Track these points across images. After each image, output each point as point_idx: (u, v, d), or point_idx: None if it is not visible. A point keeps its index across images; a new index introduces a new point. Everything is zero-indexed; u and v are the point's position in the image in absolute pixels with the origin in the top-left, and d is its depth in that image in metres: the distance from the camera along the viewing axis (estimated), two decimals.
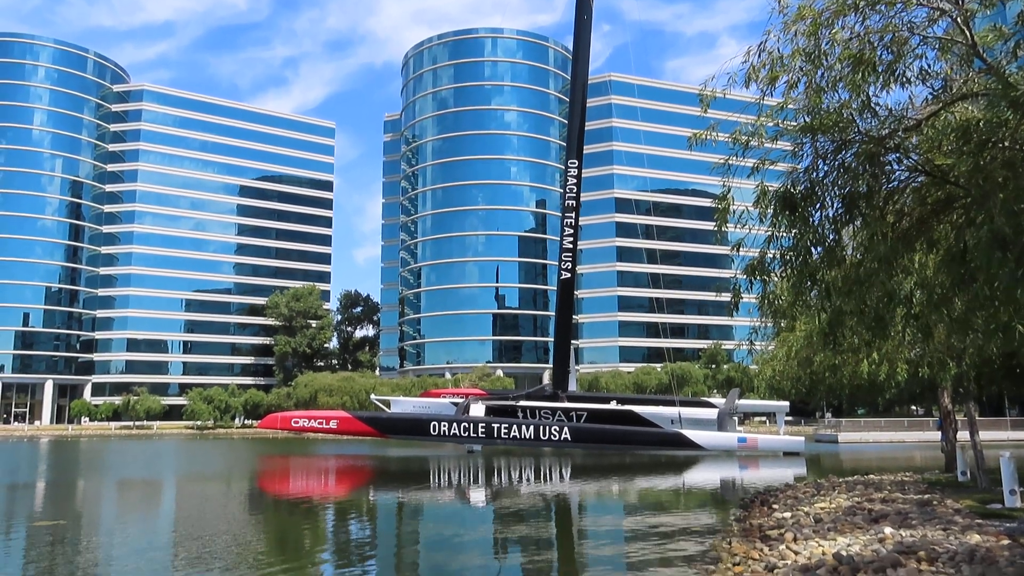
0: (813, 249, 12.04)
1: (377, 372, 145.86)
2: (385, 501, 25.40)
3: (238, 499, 25.34)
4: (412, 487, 28.93)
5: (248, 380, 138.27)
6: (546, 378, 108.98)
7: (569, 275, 53.13)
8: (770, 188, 12.64)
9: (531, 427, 46.78)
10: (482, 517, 21.65)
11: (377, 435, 49.27)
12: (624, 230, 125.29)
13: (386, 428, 48.57)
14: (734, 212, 13.10)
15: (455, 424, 46.92)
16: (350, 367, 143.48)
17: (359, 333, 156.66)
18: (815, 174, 12.02)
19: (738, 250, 13.50)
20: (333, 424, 48.72)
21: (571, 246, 53.33)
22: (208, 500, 24.46)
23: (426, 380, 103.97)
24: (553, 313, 62.01)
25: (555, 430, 46.68)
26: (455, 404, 52.38)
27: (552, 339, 60.33)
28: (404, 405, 55.49)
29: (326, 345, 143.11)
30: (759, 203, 12.76)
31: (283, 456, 52.16)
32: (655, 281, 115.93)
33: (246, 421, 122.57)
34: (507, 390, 79.17)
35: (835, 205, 12.04)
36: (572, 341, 61.93)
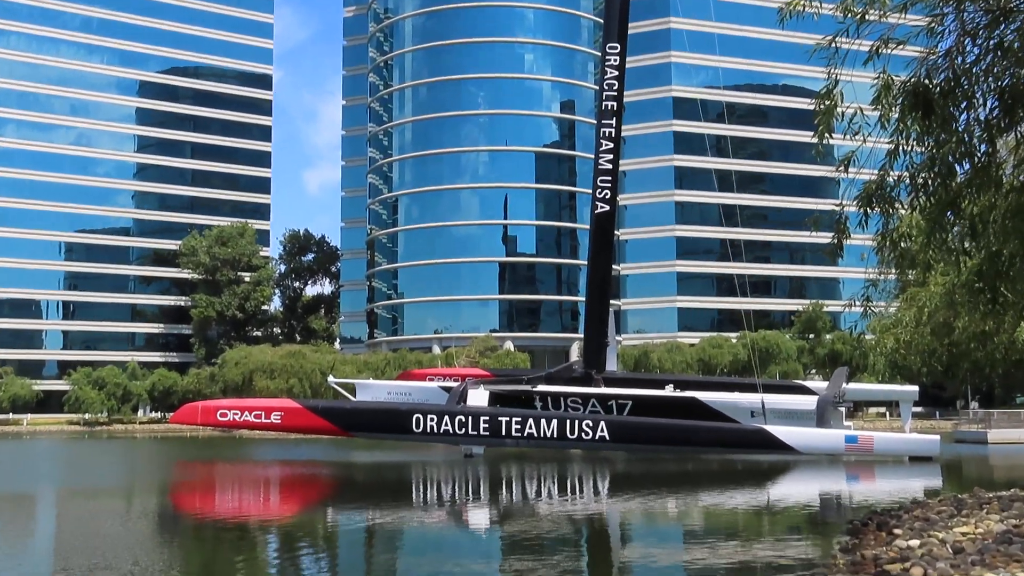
0: (957, 166, 11.88)
1: (337, 345, 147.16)
2: (349, 525, 25.72)
3: (142, 522, 25.70)
4: (387, 505, 29.28)
5: (156, 356, 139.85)
6: (575, 353, 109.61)
7: (608, 208, 52.93)
8: (895, 80, 12.45)
9: (554, 421, 47.17)
10: (484, 548, 21.89)
11: (338, 432, 49.76)
12: (686, 144, 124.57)
13: (350, 423, 49.03)
14: (843, 116, 12.94)
15: (447, 417, 47.33)
16: (299, 338, 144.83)
17: (311, 290, 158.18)
18: (960, 59, 11.79)
19: (847, 170, 13.34)
20: (276, 418, 49.22)
21: (610, 167, 53.02)
22: (100, 523, 24.81)
23: (406, 356, 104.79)
24: (585, 262, 61.97)
25: (588, 425, 47.07)
26: (447, 390, 52.76)
27: (583, 299, 60.44)
28: (375, 391, 55.95)
29: (264, 307, 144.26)
30: (879, 102, 12.57)
31: (206, 462, 52.82)
32: (729, 217, 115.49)
33: (153, 413, 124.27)
34: (520, 370, 79.45)
35: (989, 103, 11.84)
36: (612, 301, 62.01)
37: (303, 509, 29.79)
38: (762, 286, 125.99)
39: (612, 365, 56.80)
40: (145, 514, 27.41)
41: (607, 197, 52.89)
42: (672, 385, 53.09)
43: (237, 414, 49.88)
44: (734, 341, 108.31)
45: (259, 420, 49.51)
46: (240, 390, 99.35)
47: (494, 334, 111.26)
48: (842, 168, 13.38)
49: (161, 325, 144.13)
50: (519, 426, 47.06)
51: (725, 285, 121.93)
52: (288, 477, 41.55)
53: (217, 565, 19.44)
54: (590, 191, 56.92)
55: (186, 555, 20.42)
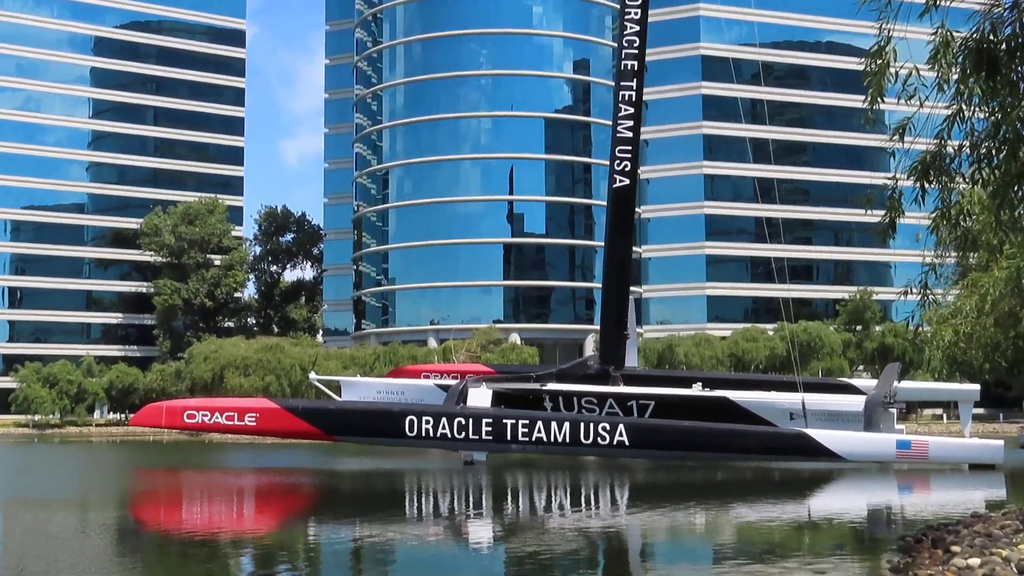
0: None
1: (319, 338, 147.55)
2: (333, 541, 25.77)
3: (99, 537, 25.79)
4: (376, 519, 29.36)
5: (114, 350, 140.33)
6: (590, 347, 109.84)
7: (627, 182, 52.90)
8: (955, 36, 12.40)
9: (566, 424, 47.25)
10: (486, 569, 21.94)
11: (320, 437, 49.85)
12: (716, 109, 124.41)
13: (335, 426, 49.10)
14: (895, 77, 12.89)
15: (445, 419, 47.41)
16: (276, 329, 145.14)
17: (290, 275, 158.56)
18: None
19: (901, 139, 13.29)
20: (250, 420, 49.27)
21: (630, 135, 52.96)
22: (50, 539, 24.89)
23: (398, 350, 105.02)
24: (601, 244, 62.01)
25: (605, 429, 47.13)
26: (444, 388, 52.91)
27: (600, 285, 60.46)
28: (363, 389, 56.06)
29: (237, 295, 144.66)
30: (937, 62, 12.53)
31: (171, 470, 52.96)
32: (765, 192, 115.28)
33: (112, 414, 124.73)
34: (527, 366, 79.50)
35: None
36: (632, 288, 61.95)
37: (281, 523, 29.84)
38: (803, 271, 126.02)
39: (632, 361, 56.75)
40: (102, 528, 27.48)
41: (627, 169, 52.80)
42: (700, 383, 53.05)
43: (206, 415, 49.88)
44: (771, 333, 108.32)
45: (231, 422, 49.50)
46: (210, 388, 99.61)
47: (498, 325, 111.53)
48: (895, 137, 13.35)
49: (120, 315, 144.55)
50: (526, 429, 47.11)
51: (761, 270, 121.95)
52: (264, 487, 41.65)
53: None
54: (607, 163, 56.82)
55: (145, 573, 20.50)
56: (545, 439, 47.00)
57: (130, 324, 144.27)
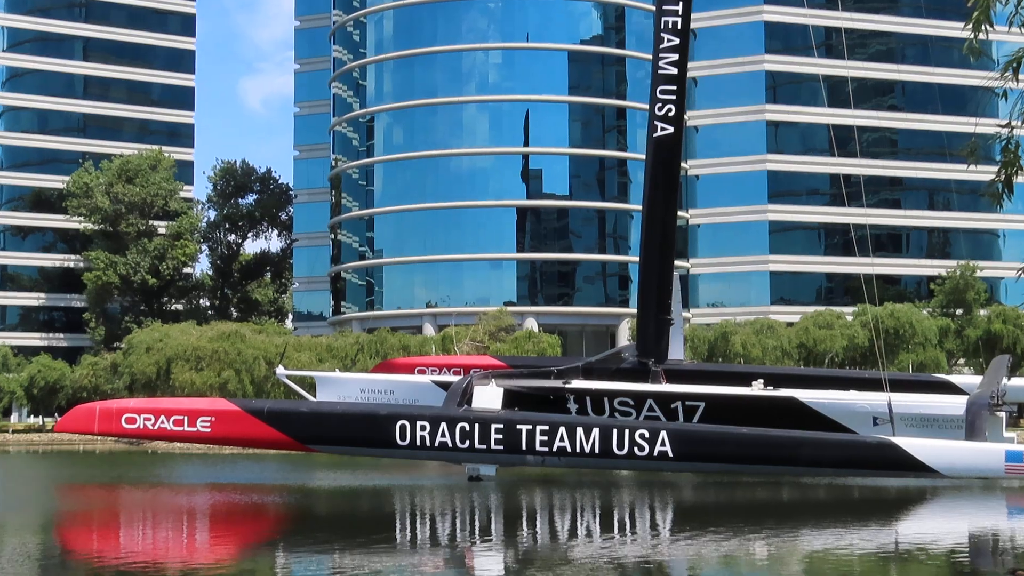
0: None
1: (289, 323, 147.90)
2: (304, 572, 25.86)
3: (15, 569, 25.92)
4: (359, 546, 29.44)
5: (35, 338, 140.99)
6: (624, 336, 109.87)
7: (671, 131, 52.74)
8: None
9: (595, 431, 47.25)
10: None
11: (291, 446, 49.99)
12: (781, 40, 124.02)
13: (309, 433, 49.17)
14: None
15: (445, 425, 47.46)
16: (235, 313, 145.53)
17: (252, 247, 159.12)
18: None
19: (1015, 75, 13.17)
20: (204, 425, 49.37)
21: (675, 72, 52.77)
22: None
23: (386, 339, 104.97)
24: (639, 208, 61.79)
25: (643, 437, 47.11)
26: (444, 386, 52.95)
27: (637, 259, 60.46)
28: (344, 387, 56.13)
29: (187, 270, 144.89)
30: None
31: (106, 487, 53.13)
32: (843, 143, 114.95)
33: (32, 418, 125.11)
34: (547, 359, 79.24)
35: None
36: (677, 263, 61.73)
37: (241, 552, 29.94)
38: (889, 241, 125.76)
39: (678, 353, 56.77)
40: (20, 559, 27.60)
41: (671, 115, 52.60)
42: (762, 380, 52.95)
43: (150, 420, 50.02)
44: (849, 319, 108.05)
45: (181, 429, 49.61)
46: (154, 386, 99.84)
47: (510, 308, 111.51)
48: (1006, 73, 13.26)
49: (42, 295, 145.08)
50: (546, 437, 47.11)
51: (837, 240, 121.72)
52: (221, 508, 41.81)
53: None
54: (646, 106, 56.63)
55: None
56: (569, 449, 47.00)
57: (54, 307, 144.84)
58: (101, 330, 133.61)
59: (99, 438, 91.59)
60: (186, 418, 49.77)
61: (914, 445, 47.06)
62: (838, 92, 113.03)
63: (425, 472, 56.39)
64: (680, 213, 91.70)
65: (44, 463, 75.87)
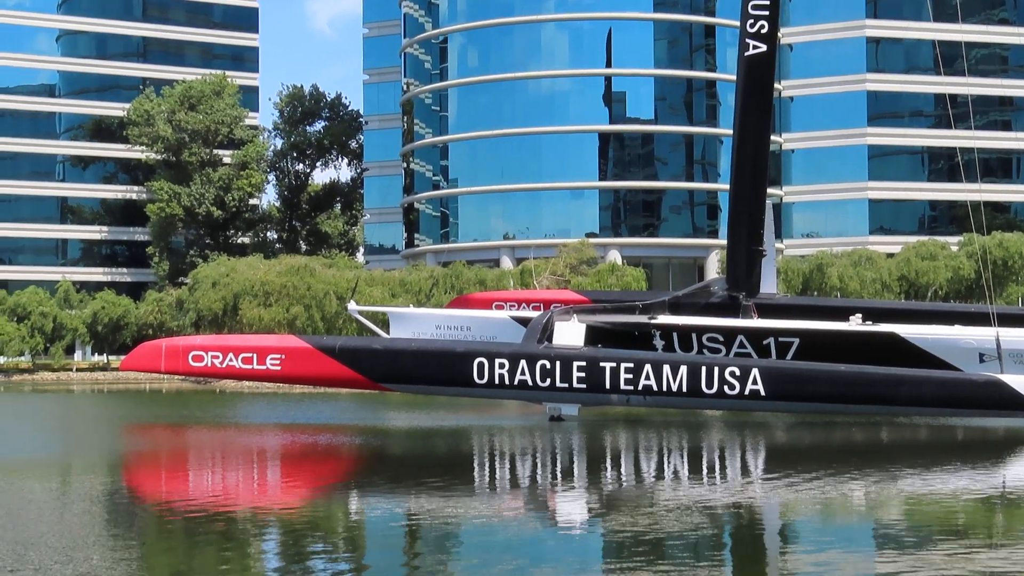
0: None
1: (360, 257, 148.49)
2: (380, 518, 26.02)
3: (85, 510, 26.32)
4: (436, 490, 29.59)
5: (98, 274, 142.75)
6: (713, 268, 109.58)
7: (764, 49, 52.15)
8: None
9: (683, 369, 47.22)
10: (578, 555, 22.02)
11: (364, 384, 50.40)
12: None
13: (382, 371, 49.61)
14: None
15: (524, 362, 47.64)
16: (304, 247, 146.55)
17: (321, 177, 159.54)
18: None
19: None
20: (273, 363, 49.95)
21: None
22: (18, 515, 25.44)
23: (462, 273, 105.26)
24: (729, 132, 61.40)
25: (733, 374, 47.03)
26: (523, 322, 53.06)
27: (727, 186, 60.17)
28: (418, 324, 56.40)
29: (254, 201, 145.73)
30: None
31: (173, 427, 53.92)
32: (950, 60, 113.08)
33: (97, 356, 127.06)
34: (631, 293, 79.13)
35: None
36: (770, 190, 61.32)
37: (314, 495, 30.19)
38: (999, 166, 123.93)
39: (770, 286, 56.50)
40: (87, 501, 27.98)
41: (763, 32, 52.00)
42: (860, 315, 52.61)
43: (217, 357, 50.74)
44: (954, 249, 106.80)
45: (249, 367, 50.30)
46: (221, 323, 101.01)
47: (592, 240, 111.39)
48: None
49: (104, 228, 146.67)
50: (631, 375, 47.22)
51: (942, 165, 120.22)
52: (292, 449, 42.24)
53: (194, 574, 19.87)
54: (737, 23, 56.02)
55: (147, 560, 20.85)
56: (655, 387, 47.09)
57: (117, 240, 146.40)
58: (165, 265, 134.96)
59: (165, 377, 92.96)
60: (255, 355, 50.41)
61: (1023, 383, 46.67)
62: (944, 5, 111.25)
63: (503, 412, 56.70)
64: (773, 137, 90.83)
65: (109, 402, 77.04)
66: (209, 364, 50.87)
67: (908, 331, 50.46)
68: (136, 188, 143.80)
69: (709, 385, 46.94)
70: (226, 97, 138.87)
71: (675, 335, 51.57)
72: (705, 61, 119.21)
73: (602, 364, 47.35)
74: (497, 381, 47.73)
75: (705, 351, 50.76)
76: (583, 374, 47.29)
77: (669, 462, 36.76)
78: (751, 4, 52.26)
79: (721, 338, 51.14)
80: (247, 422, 57.51)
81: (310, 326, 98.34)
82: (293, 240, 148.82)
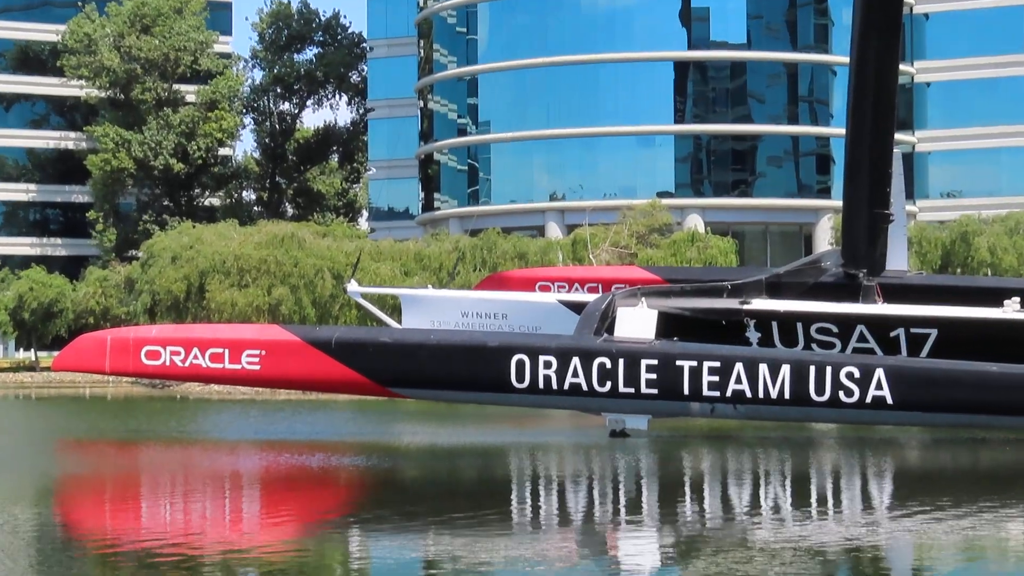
0: None
1: (363, 223, 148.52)
2: (389, 562, 26.04)
3: (5, 554, 26.40)
4: (461, 523, 29.56)
5: (24, 245, 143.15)
6: (823, 237, 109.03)
7: None
8: None
9: (785, 370, 47.02)
10: None
11: (369, 389, 50.50)
12: None
13: (392, 371, 49.56)
14: None
15: (577, 360, 47.51)
16: (291, 210, 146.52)
17: (312, 120, 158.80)
18: None
19: None
20: (250, 361, 49.94)
21: None
22: None
23: (496, 244, 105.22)
24: (844, 60, 61.04)
25: (851, 376, 46.78)
26: (575, 308, 52.96)
27: (842, 130, 59.86)
28: (439, 309, 56.46)
29: (226, 151, 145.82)
30: None
31: (120, 444, 54.04)
32: None
33: (21, 352, 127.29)
34: (716, 270, 78.79)
35: None
36: (898, 136, 60.75)
37: (304, 534, 30.20)
38: None
39: (900, 261, 56.13)
40: (10, 536, 28.09)
41: None
42: (1018, 299, 52.42)
43: (178, 354, 50.73)
44: None
45: (219, 366, 50.30)
46: (182, 309, 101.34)
47: (666, 201, 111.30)
48: None
49: (32, 187, 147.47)
50: (717, 378, 47.02)
51: None
52: (274, 473, 42.34)
53: None
54: None
55: None
56: (749, 394, 46.89)
57: (49, 202, 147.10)
58: (112, 233, 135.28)
59: (111, 379, 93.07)
60: (227, 352, 50.36)
61: None
62: None
63: (550, 425, 56.67)
64: (903, 67, 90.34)
65: (37, 412, 77.32)
66: (167, 363, 50.85)
67: None
68: (73, 135, 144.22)
69: (819, 390, 46.71)
70: (189, 16, 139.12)
71: (774, 325, 51.44)
72: None
73: (679, 363, 47.19)
74: (542, 385, 47.63)
75: (814, 346, 50.61)
76: (654, 376, 47.14)
77: (766, 492, 36.61)
78: None
79: (835, 329, 50.99)
80: (216, 438, 57.58)
81: (298, 313, 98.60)
82: (277, 202, 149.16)
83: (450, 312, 55.92)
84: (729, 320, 51.46)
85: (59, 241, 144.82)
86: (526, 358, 47.63)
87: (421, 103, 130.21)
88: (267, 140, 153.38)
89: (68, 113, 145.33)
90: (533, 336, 50.31)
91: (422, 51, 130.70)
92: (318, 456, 47.08)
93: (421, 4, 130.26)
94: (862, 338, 50.53)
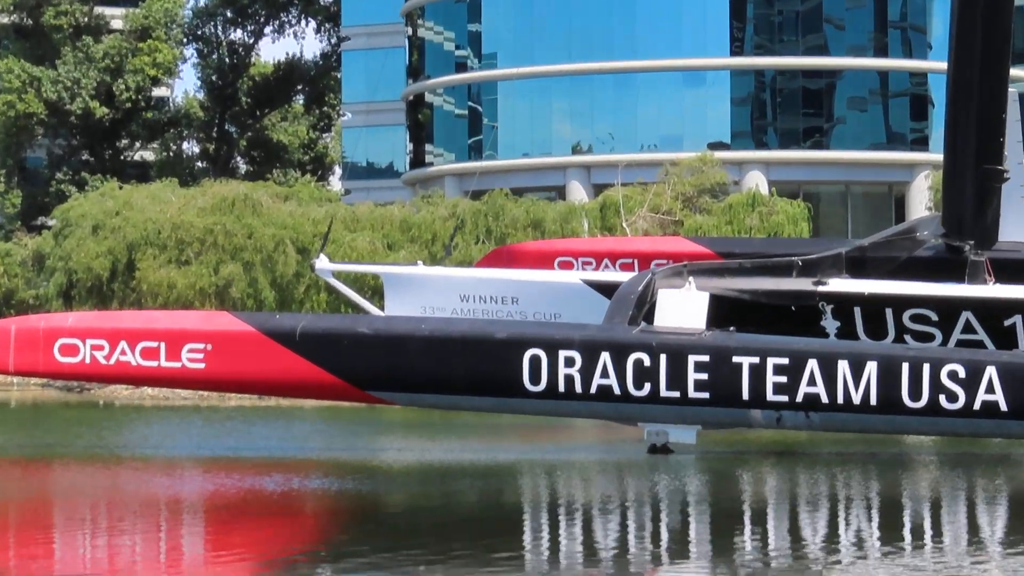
0: None
1: (335, 182, 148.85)
2: None
3: None
4: (457, 560, 29.50)
5: None
6: (919, 200, 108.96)
7: None
8: None
9: (871, 368, 46.92)
10: None
11: (343, 392, 50.58)
12: None
13: (371, 370, 49.58)
14: None
15: (608, 356, 47.47)
16: (243, 166, 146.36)
17: (271, 52, 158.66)
18: None
19: None
20: (193, 357, 50.02)
21: None
22: None
23: (503, 207, 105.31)
24: None
25: (955, 376, 46.69)
26: (604, 289, 52.94)
27: (943, 64, 59.81)
28: (430, 290, 56.67)
29: (161, 91, 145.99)
30: None
31: (25, 463, 54.06)
32: None
33: None
34: (782, 242, 78.86)
35: None
36: (1014, 73, 60.55)
37: (259, 575, 30.22)
38: None
39: (1017, 231, 56.00)
40: None
41: None
42: None
43: (101, 349, 50.82)
44: None
45: (153, 364, 50.41)
46: (106, 293, 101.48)
47: (719, 154, 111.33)
48: None
49: None
50: (785, 378, 46.98)
51: None
52: (223, 499, 42.32)
53: None
54: None
55: None
56: (826, 398, 46.85)
57: None
58: (16, 196, 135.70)
59: (16, 380, 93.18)
60: (163, 346, 50.41)
61: None
62: None
63: (573, 438, 56.72)
64: None
65: None
66: (88, 359, 50.89)
67: None
68: None
69: (915, 394, 46.62)
70: None
71: (857, 311, 51.40)
72: None
73: (737, 360, 47.15)
74: (562, 388, 47.60)
75: (907, 337, 50.57)
76: (705, 376, 47.11)
77: (847, 521, 36.48)
78: None
79: (934, 316, 51.02)
80: (149, 455, 57.54)
81: (253, 297, 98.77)
82: (226, 156, 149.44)
83: (446, 295, 55.98)
84: (800, 305, 51.45)
85: None
86: (542, 354, 47.55)
87: (409, 30, 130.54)
88: (214, 78, 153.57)
89: None
90: (551, 326, 50.31)
91: None
92: (278, 479, 47.00)
93: None
94: (968, 328, 50.52)
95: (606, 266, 58.21)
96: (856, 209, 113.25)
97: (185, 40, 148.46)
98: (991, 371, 46.25)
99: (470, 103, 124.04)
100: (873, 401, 46.28)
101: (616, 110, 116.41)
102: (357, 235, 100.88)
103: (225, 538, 35.67)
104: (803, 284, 51.73)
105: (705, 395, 46.86)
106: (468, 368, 48.32)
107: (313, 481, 46.68)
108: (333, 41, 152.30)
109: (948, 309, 50.62)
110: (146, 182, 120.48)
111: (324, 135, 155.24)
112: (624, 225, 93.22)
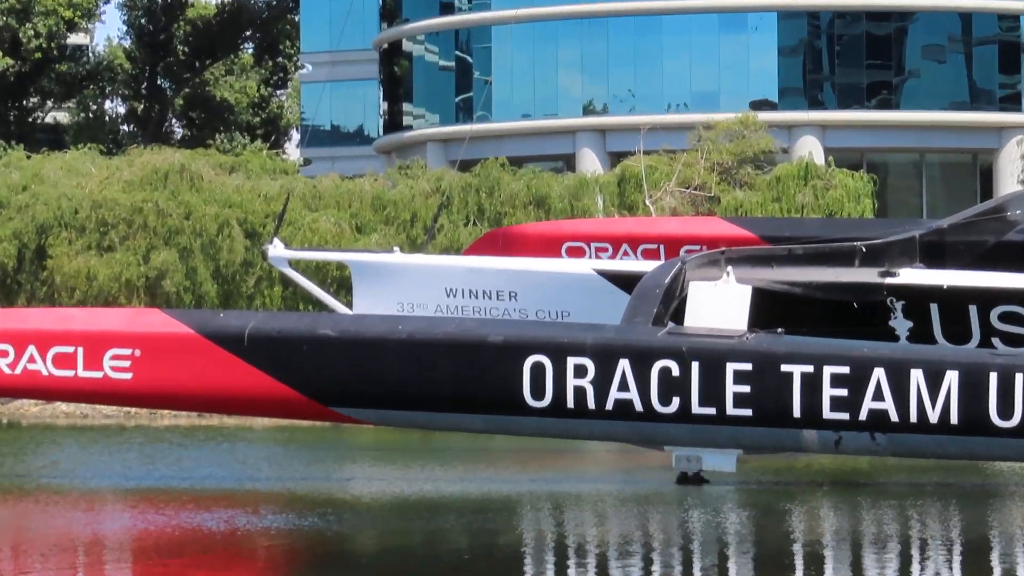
0: None
1: (292, 150, 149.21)
2: None
3: None
4: None
5: None
6: (1011, 172, 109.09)
7: None
8: None
9: (951, 377, 46.74)
10: None
11: (302, 408, 50.55)
12: None
13: (336, 382, 49.51)
14: None
15: (627, 365, 47.32)
16: (179, 131, 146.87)
17: None
18: None
19: None
20: (117, 365, 49.99)
21: None
22: None
23: (499, 180, 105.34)
24: None
25: None
26: (621, 282, 52.92)
27: None
28: (409, 282, 56.70)
29: (77, 38, 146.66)
30: None
31: None
32: None
33: None
34: (841, 223, 79.10)
35: None
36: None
37: None
38: None
39: None
40: None
41: None
42: None
43: (5, 356, 50.77)
44: None
45: (68, 374, 50.40)
46: (11, 285, 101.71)
47: (766, 115, 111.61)
48: None
49: None
50: (845, 392, 46.77)
51: None
52: (154, 539, 42.30)
53: None
54: None
55: None
56: (895, 416, 46.58)
57: None
58: None
59: None
60: (80, 351, 50.36)
61: None
62: None
63: (585, 464, 56.80)
64: None
65: None
66: None
67: None
68: None
69: (1005, 411, 46.35)
70: None
71: (935, 308, 51.36)
72: None
73: (786, 368, 46.94)
74: (571, 403, 47.46)
75: (996, 341, 50.50)
76: (748, 388, 46.94)
77: (923, 568, 36.39)
78: None
79: None
80: (63, 484, 57.55)
81: (192, 291, 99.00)
82: (159, 117, 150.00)
83: (428, 289, 56.03)
84: (864, 301, 51.40)
85: None
86: (547, 361, 47.38)
87: None
88: (143, 21, 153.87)
89: None
90: (558, 327, 50.31)
91: None
92: (220, 516, 46.97)
93: None
94: None
95: (625, 253, 58.16)
96: (932, 182, 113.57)
97: None
98: None
99: (458, 53, 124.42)
100: (954, 420, 46.03)
101: (637, 62, 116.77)
102: (319, 215, 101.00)
103: None
104: (867, 275, 51.70)
105: (747, 412, 46.66)
106: (455, 379, 48.19)
107: (264, 519, 46.61)
108: None
109: None
110: (60, 149, 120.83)
111: (278, 92, 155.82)
112: (647, 203, 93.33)
